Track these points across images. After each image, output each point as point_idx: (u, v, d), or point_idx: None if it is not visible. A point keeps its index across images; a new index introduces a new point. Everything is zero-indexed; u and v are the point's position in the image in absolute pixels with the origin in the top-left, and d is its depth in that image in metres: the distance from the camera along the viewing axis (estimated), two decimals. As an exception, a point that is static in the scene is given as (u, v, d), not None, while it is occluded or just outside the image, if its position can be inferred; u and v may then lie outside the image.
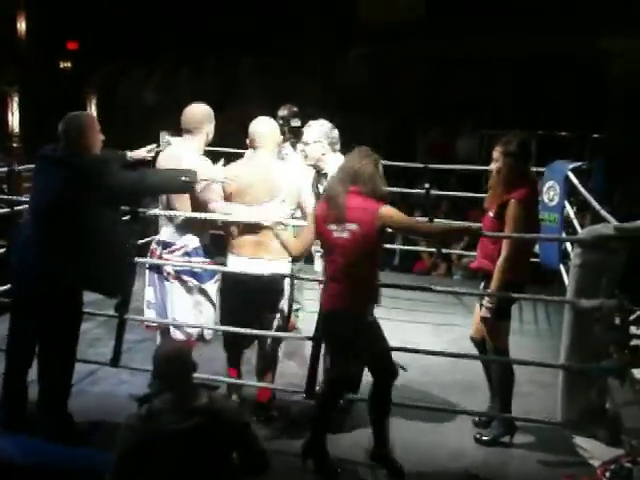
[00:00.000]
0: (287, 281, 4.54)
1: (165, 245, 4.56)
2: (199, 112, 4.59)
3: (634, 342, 4.49)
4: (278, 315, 4.55)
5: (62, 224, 3.92)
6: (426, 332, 6.20)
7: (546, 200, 6.44)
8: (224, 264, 4.58)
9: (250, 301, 4.46)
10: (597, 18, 11.93)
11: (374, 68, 13.93)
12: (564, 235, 6.18)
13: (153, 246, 4.67)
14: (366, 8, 14.07)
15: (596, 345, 4.09)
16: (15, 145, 11.95)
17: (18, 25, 12.39)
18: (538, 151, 10.93)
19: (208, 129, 4.59)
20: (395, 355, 4.13)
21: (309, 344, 4.50)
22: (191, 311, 4.56)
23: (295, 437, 4.29)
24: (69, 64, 13.51)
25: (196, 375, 4.51)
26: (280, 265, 4.45)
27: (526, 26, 12.51)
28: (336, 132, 4.78)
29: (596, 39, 12.18)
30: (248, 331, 4.53)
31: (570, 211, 6.19)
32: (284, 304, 4.58)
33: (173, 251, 4.54)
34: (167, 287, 4.55)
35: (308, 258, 6.12)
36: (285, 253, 4.30)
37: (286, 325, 4.68)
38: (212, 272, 4.58)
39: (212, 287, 4.60)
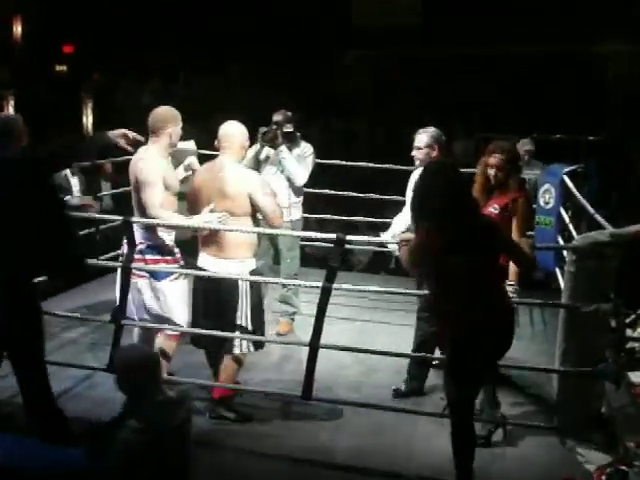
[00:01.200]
0: (245, 282, 4.46)
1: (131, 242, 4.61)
2: (162, 114, 4.61)
3: (630, 344, 4.51)
4: (238, 314, 4.46)
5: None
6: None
7: (542, 203, 6.45)
8: (190, 264, 4.65)
9: (209, 300, 4.51)
10: (594, 21, 11.97)
11: (370, 71, 13.96)
12: (560, 238, 6.20)
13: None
14: (361, 12, 14.10)
15: (592, 349, 4.10)
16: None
17: (14, 28, 12.40)
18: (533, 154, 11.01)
19: (171, 130, 4.58)
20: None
21: (305, 348, 4.50)
22: (148, 307, 4.61)
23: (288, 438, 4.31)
24: (65, 67, 13.50)
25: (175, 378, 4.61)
26: (235, 265, 4.46)
27: (523, 29, 12.55)
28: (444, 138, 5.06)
29: (593, 42, 12.22)
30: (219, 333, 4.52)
31: (565, 215, 6.20)
32: (244, 305, 4.47)
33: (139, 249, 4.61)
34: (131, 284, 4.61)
35: (276, 257, 6.17)
36: (242, 252, 4.42)
37: (257, 327, 4.56)
38: (168, 270, 4.58)
39: (170, 284, 4.57)
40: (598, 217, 4.73)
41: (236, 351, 4.53)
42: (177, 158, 4.78)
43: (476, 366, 3.58)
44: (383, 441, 4.39)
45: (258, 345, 4.61)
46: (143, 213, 4.57)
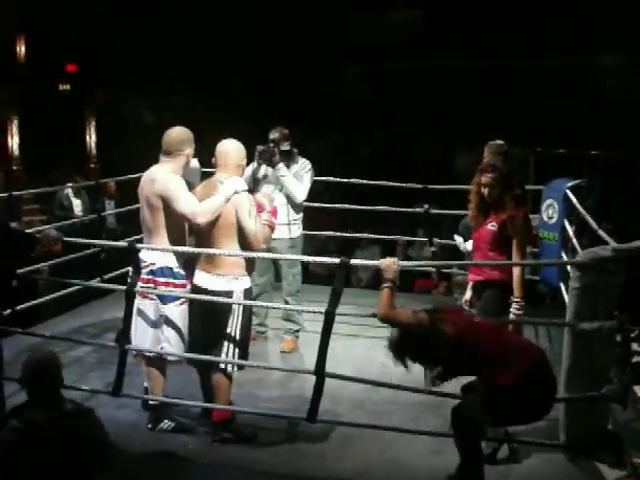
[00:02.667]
0: (237, 299, 4.45)
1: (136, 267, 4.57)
2: (178, 136, 4.60)
3: (636, 359, 4.50)
4: (228, 334, 4.44)
5: None
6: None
7: (545, 218, 6.45)
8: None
9: (203, 317, 4.51)
10: (594, 34, 12.00)
11: (369, 86, 14.02)
12: (563, 253, 6.18)
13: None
14: (360, 28, 14.19)
15: (597, 367, 4.08)
16: (15, 168, 11.98)
17: (17, 48, 12.45)
18: (536, 169, 11.00)
19: (188, 152, 4.59)
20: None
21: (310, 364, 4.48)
22: (151, 330, 4.56)
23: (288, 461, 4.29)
24: (68, 86, 13.56)
25: (172, 399, 4.59)
26: (228, 281, 4.45)
27: (523, 42, 12.59)
28: None
29: (593, 55, 12.25)
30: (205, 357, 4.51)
31: (569, 230, 6.19)
32: (234, 323, 4.46)
33: (142, 268, 4.54)
34: (135, 305, 4.57)
35: (277, 275, 6.16)
36: (237, 270, 4.42)
37: (243, 346, 4.53)
38: (175, 295, 4.53)
39: (175, 309, 4.53)
40: (601, 232, 4.73)
41: (220, 372, 4.50)
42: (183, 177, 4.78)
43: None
44: (388, 459, 4.37)
45: (240, 366, 4.57)
46: (152, 232, 4.54)
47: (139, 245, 4.61)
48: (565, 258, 6.01)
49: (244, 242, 4.46)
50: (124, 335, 4.59)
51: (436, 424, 4.52)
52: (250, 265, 4.61)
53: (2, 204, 4.09)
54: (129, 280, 4.61)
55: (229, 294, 4.44)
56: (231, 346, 4.46)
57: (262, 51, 13.60)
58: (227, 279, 4.46)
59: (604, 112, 11.72)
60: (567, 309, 4.21)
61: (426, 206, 6.99)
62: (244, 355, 4.55)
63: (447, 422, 4.26)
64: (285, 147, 5.86)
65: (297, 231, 6.05)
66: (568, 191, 6.24)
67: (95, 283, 5.29)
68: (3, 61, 11.94)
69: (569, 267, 4.89)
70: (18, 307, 5.65)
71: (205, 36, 13.46)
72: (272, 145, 5.79)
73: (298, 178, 5.90)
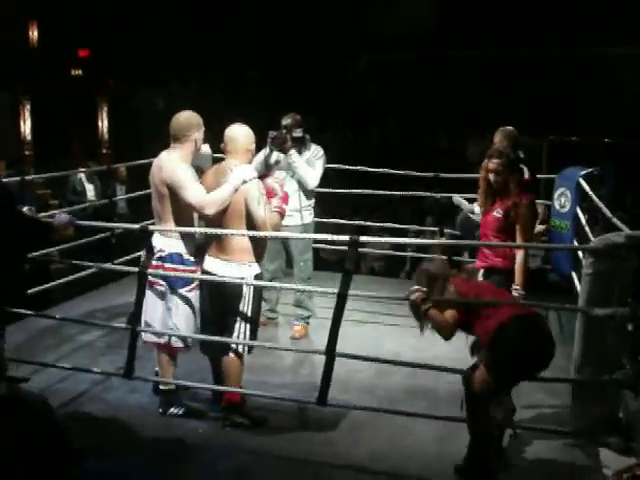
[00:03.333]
0: (249, 286, 4.48)
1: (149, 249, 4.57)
2: (186, 120, 4.56)
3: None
4: (238, 319, 4.48)
5: None
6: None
7: (557, 207, 6.42)
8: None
9: (213, 303, 4.54)
10: (610, 23, 11.92)
11: (384, 76, 13.97)
12: (576, 242, 6.16)
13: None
14: (376, 18, 14.14)
15: (609, 354, 4.07)
16: (27, 153, 12.01)
17: (29, 33, 12.46)
18: (549, 157, 10.97)
19: (196, 137, 4.55)
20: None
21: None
22: (160, 316, 4.56)
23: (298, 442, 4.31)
24: (80, 72, 13.56)
25: (182, 382, 4.60)
26: (239, 267, 4.46)
27: (538, 32, 12.52)
28: None
29: (609, 44, 12.17)
30: (216, 338, 4.54)
31: (582, 218, 6.16)
32: (246, 308, 4.48)
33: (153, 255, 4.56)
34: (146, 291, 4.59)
35: (288, 261, 6.17)
36: (247, 256, 4.44)
37: (253, 331, 4.56)
38: (187, 279, 4.53)
39: (184, 295, 4.53)
40: (615, 220, 4.70)
41: (232, 355, 4.52)
42: (194, 162, 4.77)
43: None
44: (398, 445, 4.38)
45: (251, 348, 4.60)
46: (161, 218, 4.56)
47: (151, 227, 4.61)
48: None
49: (253, 230, 4.45)
50: (136, 317, 4.60)
51: (447, 411, 4.51)
52: (260, 252, 4.61)
53: (10, 189, 4.08)
54: (141, 262, 4.61)
55: (242, 280, 4.45)
56: (242, 331, 4.48)
57: (276, 39, 13.55)
58: (238, 265, 4.46)
59: (619, 101, 11.65)
60: (579, 295, 4.19)
61: (437, 191, 7.00)
62: (254, 340, 4.58)
63: (458, 409, 4.30)
64: (297, 134, 5.84)
65: (308, 217, 6.05)
66: (581, 179, 6.21)
67: (107, 265, 5.29)
68: (15, 46, 11.94)
69: (581, 254, 4.86)
70: (30, 290, 5.67)
71: (220, 23, 13.44)
72: (284, 131, 5.78)
73: (310, 164, 5.90)
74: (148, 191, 5.58)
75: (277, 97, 12.24)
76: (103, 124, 13.51)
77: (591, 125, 11.42)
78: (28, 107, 12.20)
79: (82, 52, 13.39)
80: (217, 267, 4.50)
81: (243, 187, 4.39)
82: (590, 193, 5.88)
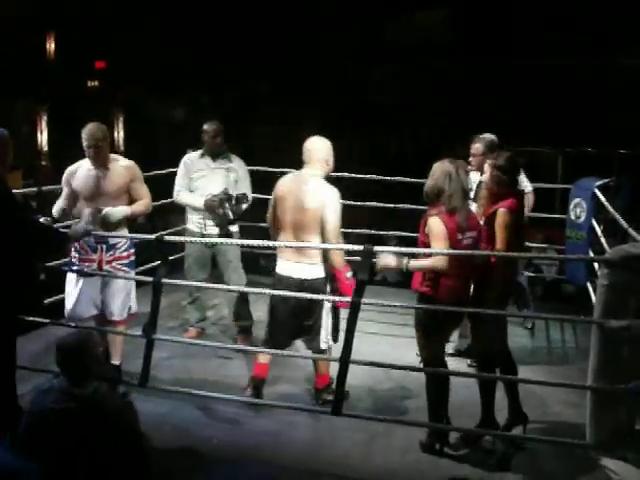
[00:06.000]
0: (327, 284, 4.77)
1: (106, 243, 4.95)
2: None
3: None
4: (324, 314, 4.76)
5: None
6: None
7: (573, 217, 6.40)
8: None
9: (288, 306, 4.74)
10: (623, 35, 11.89)
11: (401, 86, 13.98)
12: (591, 252, 6.14)
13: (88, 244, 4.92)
14: (392, 28, 14.17)
15: (625, 366, 4.04)
16: (44, 163, 12.11)
17: (47, 45, 12.60)
18: (564, 168, 10.91)
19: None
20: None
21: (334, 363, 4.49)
22: (123, 295, 5.10)
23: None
24: (97, 83, 13.68)
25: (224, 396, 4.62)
26: (317, 268, 4.69)
27: (555, 41, 12.51)
28: None
29: (625, 54, 12.14)
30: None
31: (597, 228, 6.14)
32: (325, 304, 4.76)
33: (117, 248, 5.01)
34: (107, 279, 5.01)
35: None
36: (320, 257, 4.71)
37: (336, 324, 4.83)
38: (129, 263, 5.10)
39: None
40: (631, 230, 4.68)
41: (324, 347, 4.84)
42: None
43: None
44: (411, 458, 4.36)
45: (335, 338, 4.86)
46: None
47: (166, 237, 4.66)
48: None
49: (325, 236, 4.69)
50: (151, 325, 4.63)
51: (461, 423, 4.50)
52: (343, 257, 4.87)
53: (12, 195, 4.18)
54: (157, 272, 4.64)
55: (320, 280, 4.74)
56: (326, 325, 4.80)
57: (290, 49, 13.60)
58: (317, 267, 4.68)
59: (636, 111, 11.59)
60: (594, 307, 4.17)
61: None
62: (336, 333, 4.84)
63: (474, 421, 4.29)
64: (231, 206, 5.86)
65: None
66: (596, 190, 6.19)
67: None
68: (33, 57, 12.06)
69: (597, 265, 4.84)
70: (47, 300, 5.71)
71: (234, 35, 13.52)
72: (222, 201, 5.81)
73: (245, 179, 6.03)
74: (165, 201, 5.68)
75: (292, 108, 12.27)
76: (119, 134, 13.62)
77: (607, 136, 11.37)
78: (45, 117, 12.32)
79: (98, 64, 13.53)
80: (297, 270, 4.67)
81: (321, 195, 4.64)
82: (606, 204, 5.85)
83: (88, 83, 13.72)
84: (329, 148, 4.81)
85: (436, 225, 4.20)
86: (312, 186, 4.68)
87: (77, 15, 12.29)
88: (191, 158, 6.07)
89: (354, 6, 13.73)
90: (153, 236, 4.75)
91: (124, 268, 5.10)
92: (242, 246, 6.09)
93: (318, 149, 4.78)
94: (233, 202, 5.79)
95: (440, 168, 4.35)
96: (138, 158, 5.23)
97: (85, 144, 4.89)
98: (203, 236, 5.87)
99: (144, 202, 5.12)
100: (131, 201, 5.07)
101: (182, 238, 4.61)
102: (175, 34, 13.08)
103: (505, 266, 4.41)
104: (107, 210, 4.86)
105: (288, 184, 4.78)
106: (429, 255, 4.23)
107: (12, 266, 4.00)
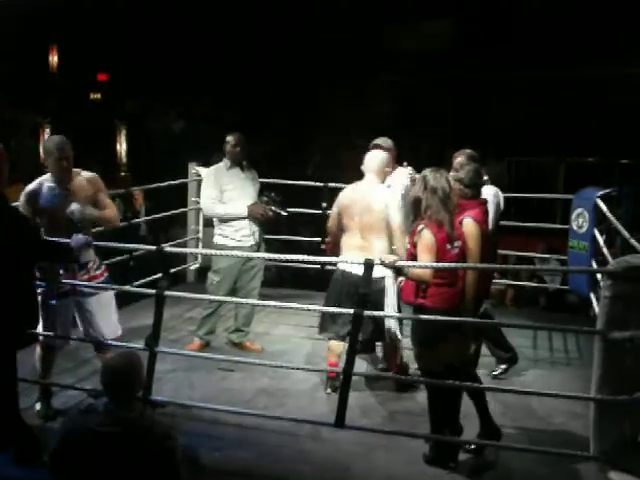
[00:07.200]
0: (390, 281, 5.02)
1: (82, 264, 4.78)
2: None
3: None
4: (389, 308, 5.02)
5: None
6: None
7: (575, 227, 6.41)
8: None
9: (354, 302, 4.80)
10: (625, 43, 11.91)
11: (400, 96, 14.00)
12: (594, 262, 6.13)
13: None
14: (392, 37, 14.19)
15: (628, 376, 4.03)
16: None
17: (50, 58, 12.65)
18: (566, 178, 10.94)
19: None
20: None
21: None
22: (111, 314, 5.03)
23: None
24: (99, 95, 13.73)
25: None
26: (381, 268, 4.72)
27: (554, 52, 12.53)
28: None
29: (624, 64, 12.15)
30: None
31: (600, 239, 6.14)
32: (389, 297, 5.05)
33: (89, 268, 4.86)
34: (91, 300, 4.84)
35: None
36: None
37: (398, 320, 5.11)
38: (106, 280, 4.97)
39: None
40: (633, 241, 4.68)
41: (388, 340, 5.18)
42: None
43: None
44: (414, 470, 4.34)
45: (401, 331, 5.14)
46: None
47: (168, 249, 4.67)
48: (595, 267, 5.96)
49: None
50: (154, 338, 4.62)
51: (467, 435, 4.49)
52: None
53: (12, 208, 4.20)
54: (159, 284, 4.64)
55: (383, 278, 5.00)
56: (391, 320, 5.06)
57: (290, 59, 13.63)
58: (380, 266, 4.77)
59: (637, 121, 11.60)
60: (598, 318, 4.16)
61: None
62: (401, 325, 5.14)
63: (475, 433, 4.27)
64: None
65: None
66: (598, 200, 6.19)
67: (126, 288, 5.35)
68: (36, 70, 12.11)
69: (599, 276, 4.84)
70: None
71: (236, 45, 13.55)
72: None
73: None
74: (167, 213, 5.67)
75: (292, 119, 12.27)
76: (121, 147, 13.66)
77: (608, 146, 11.38)
78: (48, 130, 12.36)
79: (101, 76, 13.58)
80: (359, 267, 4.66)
81: (385, 199, 5.12)
82: (608, 214, 5.86)
83: (91, 95, 13.76)
84: (384, 160, 5.32)
85: (426, 237, 4.20)
86: (374, 191, 5.17)
87: (79, 28, 12.35)
88: (219, 170, 6.11)
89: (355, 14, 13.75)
90: (154, 247, 4.77)
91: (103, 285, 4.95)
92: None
93: (373, 162, 5.29)
94: (272, 203, 6.09)
95: (421, 179, 4.37)
96: (140, 170, 5.24)
97: (57, 155, 4.68)
98: (242, 248, 5.93)
99: (111, 210, 4.98)
100: None
101: (183, 250, 4.58)
102: (178, 46, 13.14)
103: (478, 275, 4.43)
104: (80, 208, 4.70)
105: (351, 193, 5.26)
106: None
107: (13, 280, 4.01)
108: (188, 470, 3.36)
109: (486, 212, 4.69)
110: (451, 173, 4.60)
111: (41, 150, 12.20)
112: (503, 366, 5.62)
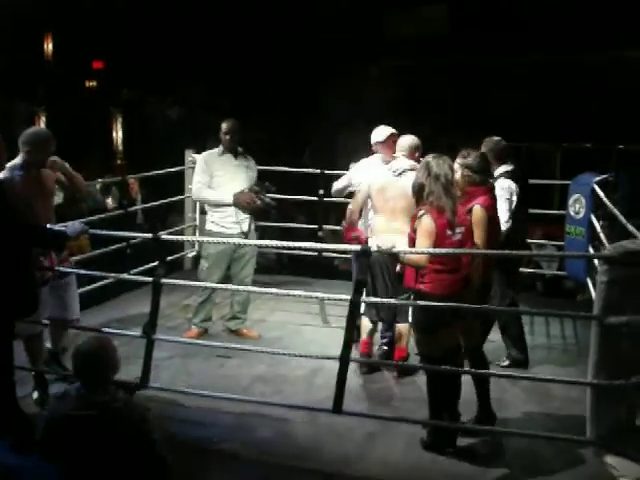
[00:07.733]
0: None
1: None
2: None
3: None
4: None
5: None
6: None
7: (572, 213, 6.41)
8: None
9: (384, 276, 5.21)
10: (624, 29, 11.88)
11: (400, 81, 13.96)
12: (591, 248, 6.14)
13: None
14: (392, 23, 14.13)
15: (625, 360, 4.04)
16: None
17: (45, 46, 12.59)
18: (563, 164, 10.93)
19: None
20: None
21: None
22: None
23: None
24: (95, 83, 13.68)
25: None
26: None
27: (552, 38, 12.49)
28: None
29: (623, 50, 12.12)
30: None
31: (596, 224, 6.14)
32: None
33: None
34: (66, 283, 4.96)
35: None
36: None
37: None
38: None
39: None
40: (630, 226, 4.68)
41: (407, 324, 5.29)
42: None
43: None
44: (412, 455, 4.35)
45: None
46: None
47: (164, 236, 4.66)
48: (592, 252, 5.96)
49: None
50: (151, 326, 4.63)
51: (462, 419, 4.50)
52: None
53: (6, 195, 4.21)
54: (156, 271, 4.64)
55: None
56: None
57: (285, 47, 13.58)
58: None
59: (635, 106, 11.58)
60: (594, 303, 4.17)
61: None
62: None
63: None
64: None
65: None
66: (595, 186, 6.19)
67: (123, 276, 5.34)
68: (31, 58, 12.06)
69: (596, 261, 4.84)
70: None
71: (232, 33, 13.50)
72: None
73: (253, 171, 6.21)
74: (164, 201, 5.64)
75: (289, 106, 12.23)
76: (117, 135, 13.61)
77: (606, 131, 11.37)
78: (43, 119, 12.31)
79: (96, 64, 13.52)
80: (395, 242, 4.59)
81: (406, 184, 4.92)
82: (605, 199, 5.85)
83: (86, 83, 13.70)
84: (413, 144, 5.50)
85: (425, 222, 4.20)
86: (409, 175, 5.07)
87: (74, 15, 12.28)
88: (211, 155, 6.10)
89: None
90: (150, 235, 4.76)
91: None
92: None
93: (412, 145, 5.49)
94: (264, 193, 6.03)
95: (423, 165, 4.36)
96: (136, 158, 5.24)
97: (43, 148, 4.83)
98: (226, 235, 5.88)
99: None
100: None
101: (185, 237, 4.57)
102: (174, 33, 13.08)
103: (484, 261, 4.46)
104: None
105: (383, 175, 5.35)
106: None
107: (8, 269, 4.00)
108: (171, 452, 3.37)
109: (494, 198, 4.69)
110: (458, 159, 4.59)
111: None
112: (508, 362, 5.59)
